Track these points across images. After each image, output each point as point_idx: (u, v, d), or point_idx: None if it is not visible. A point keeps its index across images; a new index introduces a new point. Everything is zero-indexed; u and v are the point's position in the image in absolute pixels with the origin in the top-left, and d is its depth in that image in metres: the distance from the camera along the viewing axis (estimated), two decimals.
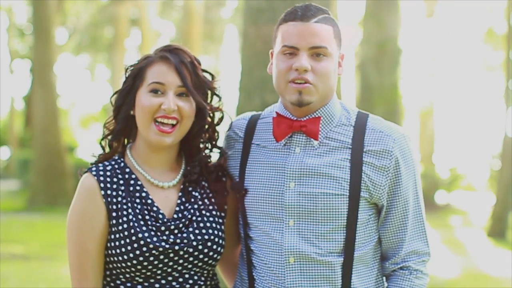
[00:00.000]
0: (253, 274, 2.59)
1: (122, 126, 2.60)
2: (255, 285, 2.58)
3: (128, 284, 2.53)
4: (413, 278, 2.57)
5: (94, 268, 2.53)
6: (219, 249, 2.57)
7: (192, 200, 2.60)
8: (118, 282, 2.55)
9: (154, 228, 2.51)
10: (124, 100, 2.58)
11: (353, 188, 2.50)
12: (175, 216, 2.56)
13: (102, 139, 2.65)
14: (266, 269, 2.56)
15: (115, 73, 26.12)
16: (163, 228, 2.52)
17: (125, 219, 2.51)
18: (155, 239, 2.49)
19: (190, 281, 2.55)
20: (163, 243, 2.49)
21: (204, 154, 2.66)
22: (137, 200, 2.54)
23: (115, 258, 2.51)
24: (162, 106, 2.51)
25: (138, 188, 2.56)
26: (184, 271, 2.54)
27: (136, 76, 2.57)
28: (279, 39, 2.55)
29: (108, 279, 2.57)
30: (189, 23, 23.35)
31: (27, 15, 29.42)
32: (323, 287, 2.50)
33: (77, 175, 2.62)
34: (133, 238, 2.48)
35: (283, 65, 2.52)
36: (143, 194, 2.55)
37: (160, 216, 2.54)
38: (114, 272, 2.55)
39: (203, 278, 2.59)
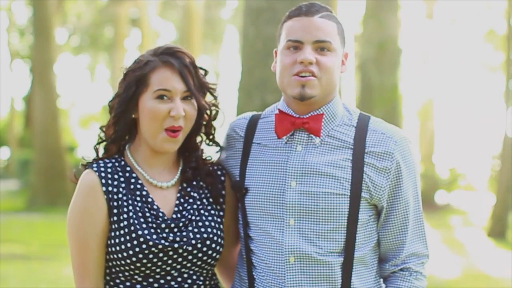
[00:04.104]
0: (253, 274, 2.59)
1: (124, 132, 2.60)
2: (255, 284, 2.58)
3: (127, 283, 2.53)
4: (413, 280, 2.57)
5: (96, 264, 2.53)
6: (218, 248, 2.57)
7: (191, 200, 2.60)
8: (118, 281, 2.55)
9: (154, 226, 2.51)
10: (127, 106, 2.56)
11: (354, 188, 2.50)
12: (174, 216, 2.56)
13: (99, 143, 2.63)
14: (266, 269, 2.55)
15: (115, 73, 26.11)
16: (163, 225, 2.52)
17: (125, 216, 2.51)
18: (155, 236, 2.49)
19: (189, 281, 2.55)
20: (162, 241, 2.49)
21: (201, 150, 2.68)
22: (138, 198, 2.54)
23: (115, 256, 2.51)
24: (171, 112, 2.51)
25: (138, 186, 2.56)
26: (183, 270, 2.54)
27: (138, 81, 2.55)
28: (283, 35, 2.55)
29: (108, 277, 2.57)
30: (189, 23, 23.35)
31: (27, 15, 29.40)
32: (323, 287, 2.50)
33: (77, 175, 2.61)
34: (133, 235, 2.48)
35: (288, 59, 2.51)
36: (144, 193, 2.56)
37: (160, 214, 2.54)
38: (113, 270, 2.55)
39: (202, 278, 2.58)
